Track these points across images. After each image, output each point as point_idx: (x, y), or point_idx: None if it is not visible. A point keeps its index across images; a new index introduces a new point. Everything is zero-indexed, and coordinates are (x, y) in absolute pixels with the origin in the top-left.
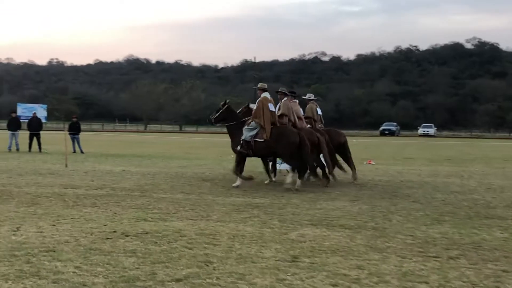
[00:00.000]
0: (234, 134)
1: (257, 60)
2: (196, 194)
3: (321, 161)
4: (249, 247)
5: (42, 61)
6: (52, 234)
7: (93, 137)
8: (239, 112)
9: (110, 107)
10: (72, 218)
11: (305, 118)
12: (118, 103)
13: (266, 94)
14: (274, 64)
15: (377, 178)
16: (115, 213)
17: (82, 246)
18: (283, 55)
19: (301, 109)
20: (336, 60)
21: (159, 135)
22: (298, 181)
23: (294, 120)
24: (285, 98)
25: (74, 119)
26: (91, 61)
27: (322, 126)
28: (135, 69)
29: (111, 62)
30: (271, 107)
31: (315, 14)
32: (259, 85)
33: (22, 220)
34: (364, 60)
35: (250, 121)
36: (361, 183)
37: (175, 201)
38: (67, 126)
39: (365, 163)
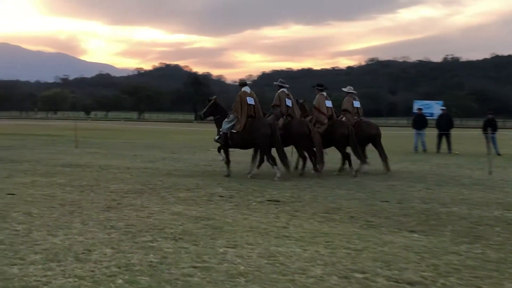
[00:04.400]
0: (219, 126)
1: None
2: None
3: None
4: None
5: (437, 58)
6: None
7: (506, 136)
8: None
9: (509, 102)
10: None
11: (342, 110)
12: None
13: (245, 88)
14: None
15: None
16: None
17: None
18: None
19: (327, 102)
20: None
21: None
22: (277, 172)
23: (286, 111)
24: (281, 90)
25: (490, 116)
26: (487, 56)
27: (361, 118)
28: None
29: (508, 56)
30: (250, 100)
31: None
32: (238, 80)
33: None
34: None
35: (230, 114)
36: None
37: None
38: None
39: None
